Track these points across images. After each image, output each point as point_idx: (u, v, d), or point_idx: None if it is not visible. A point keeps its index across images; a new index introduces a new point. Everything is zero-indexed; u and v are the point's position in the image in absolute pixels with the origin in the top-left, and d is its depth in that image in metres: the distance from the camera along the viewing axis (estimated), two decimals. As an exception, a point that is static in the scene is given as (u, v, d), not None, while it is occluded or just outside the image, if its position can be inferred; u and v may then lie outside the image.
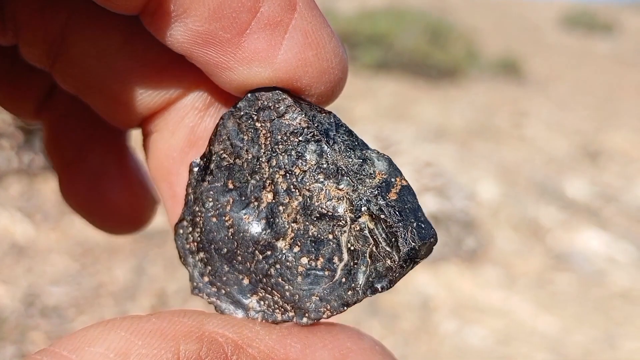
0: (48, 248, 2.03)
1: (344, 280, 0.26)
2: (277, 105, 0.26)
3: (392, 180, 0.26)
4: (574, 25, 10.22)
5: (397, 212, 0.25)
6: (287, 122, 0.26)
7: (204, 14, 0.23)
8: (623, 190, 3.62)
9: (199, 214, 0.28)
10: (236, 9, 0.22)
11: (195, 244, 0.28)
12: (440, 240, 2.55)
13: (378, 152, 0.27)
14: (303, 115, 0.26)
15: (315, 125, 0.27)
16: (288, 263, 0.26)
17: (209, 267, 0.28)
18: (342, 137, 0.27)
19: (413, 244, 0.25)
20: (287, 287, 0.26)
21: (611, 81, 6.85)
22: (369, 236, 0.25)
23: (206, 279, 0.28)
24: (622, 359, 2.13)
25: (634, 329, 2.29)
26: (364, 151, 0.27)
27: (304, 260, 0.26)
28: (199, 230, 0.28)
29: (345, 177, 0.26)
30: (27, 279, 1.87)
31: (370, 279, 0.25)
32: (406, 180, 0.26)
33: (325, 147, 0.26)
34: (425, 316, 2.19)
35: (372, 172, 0.26)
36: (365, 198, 0.25)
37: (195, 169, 0.28)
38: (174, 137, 0.29)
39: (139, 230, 0.36)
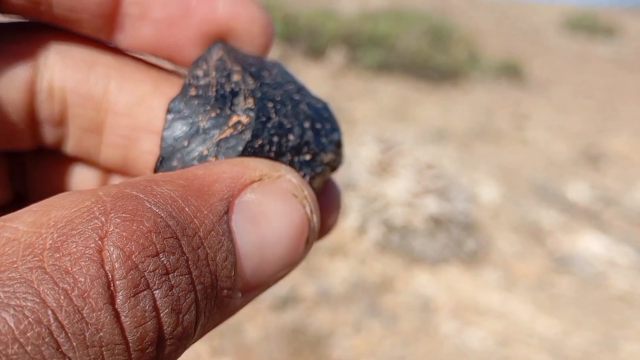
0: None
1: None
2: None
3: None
4: (575, 28, 10.23)
5: None
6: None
7: (159, 3, 0.30)
8: (623, 193, 3.62)
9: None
10: None
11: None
12: (441, 242, 2.55)
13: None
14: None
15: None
16: None
17: None
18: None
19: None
20: None
21: (612, 85, 6.85)
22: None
23: None
24: (621, 361, 2.13)
25: (633, 332, 2.29)
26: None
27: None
28: None
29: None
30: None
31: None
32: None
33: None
34: (425, 317, 2.19)
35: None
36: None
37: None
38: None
39: None
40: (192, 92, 0.29)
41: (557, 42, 9.23)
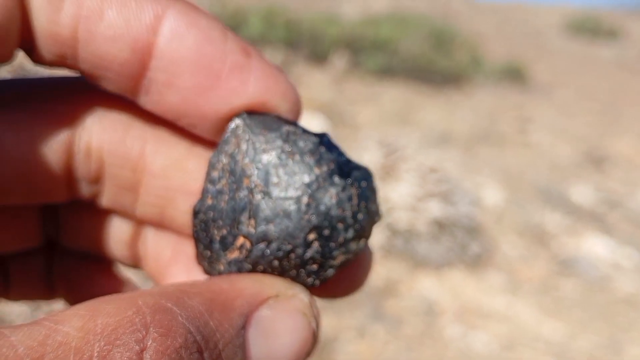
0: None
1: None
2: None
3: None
4: (578, 31, 10.22)
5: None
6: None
7: (188, 72, 0.30)
8: (627, 196, 3.61)
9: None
10: (211, 61, 0.30)
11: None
12: (445, 246, 2.55)
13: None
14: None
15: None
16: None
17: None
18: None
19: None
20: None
21: (615, 87, 6.84)
22: None
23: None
24: (627, 365, 2.13)
25: (638, 335, 2.28)
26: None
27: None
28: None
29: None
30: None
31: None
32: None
33: None
34: (429, 321, 2.19)
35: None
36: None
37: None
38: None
39: None
40: (209, 201, 0.31)
41: (559, 45, 9.23)
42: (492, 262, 2.63)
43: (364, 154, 2.85)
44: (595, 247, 2.89)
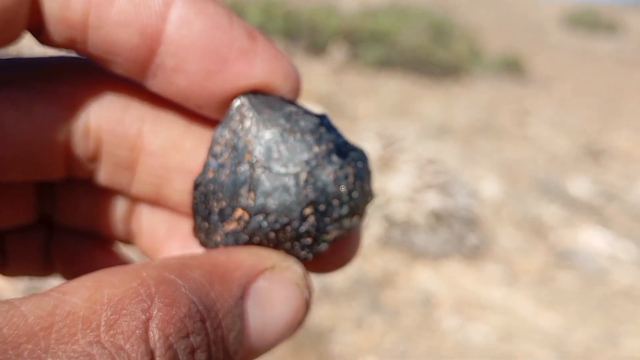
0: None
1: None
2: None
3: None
4: (577, 24, 10.21)
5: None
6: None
7: (196, 57, 0.31)
8: (625, 189, 3.62)
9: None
10: (219, 46, 0.31)
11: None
12: (443, 237, 2.55)
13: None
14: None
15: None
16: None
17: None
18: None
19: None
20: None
21: (614, 81, 6.84)
22: None
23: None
24: (623, 356, 2.13)
25: (635, 327, 2.29)
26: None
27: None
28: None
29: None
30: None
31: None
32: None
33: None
34: (427, 313, 2.19)
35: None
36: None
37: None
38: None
39: None
40: (210, 174, 0.32)
41: (558, 38, 9.22)
42: (489, 254, 2.63)
43: (362, 146, 2.84)
44: (592, 239, 2.89)
